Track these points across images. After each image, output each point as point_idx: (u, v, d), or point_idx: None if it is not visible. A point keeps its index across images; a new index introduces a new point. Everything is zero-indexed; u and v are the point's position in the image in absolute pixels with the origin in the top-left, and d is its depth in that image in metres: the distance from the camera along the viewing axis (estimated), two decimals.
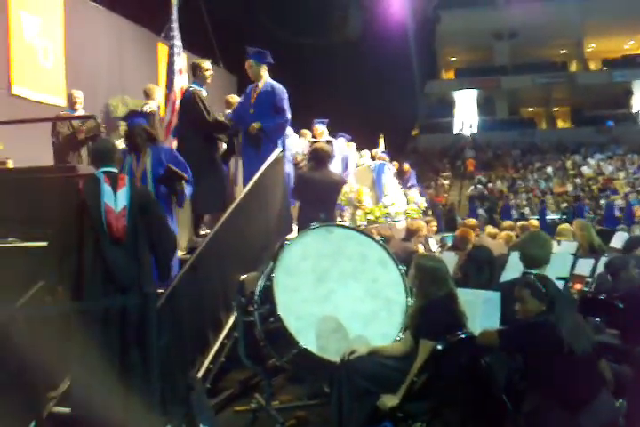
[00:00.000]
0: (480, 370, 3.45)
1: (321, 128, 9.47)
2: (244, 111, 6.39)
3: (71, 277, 3.65)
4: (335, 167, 9.98)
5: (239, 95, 7.23)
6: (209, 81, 6.38)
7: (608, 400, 3.22)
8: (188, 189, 5.01)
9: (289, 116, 6.38)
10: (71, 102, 7.72)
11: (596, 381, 3.26)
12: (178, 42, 6.74)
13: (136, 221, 3.73)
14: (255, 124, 6.17)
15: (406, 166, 14.02)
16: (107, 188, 3.67)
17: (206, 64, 6.35)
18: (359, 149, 12.01)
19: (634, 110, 31.78)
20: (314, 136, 9.46)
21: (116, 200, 3.67)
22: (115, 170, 3.86)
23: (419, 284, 3.79)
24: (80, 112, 7.57)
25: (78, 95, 7.65)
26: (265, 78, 6.39)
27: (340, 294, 4.24)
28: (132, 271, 3.76)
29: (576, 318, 3.38)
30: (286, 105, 6.34)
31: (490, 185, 25.46)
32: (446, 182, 23.46)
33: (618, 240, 7.77)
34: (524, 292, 3.37)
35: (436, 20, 26.39)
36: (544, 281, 3.40)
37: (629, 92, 31.97)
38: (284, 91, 6.36)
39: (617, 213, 17.86)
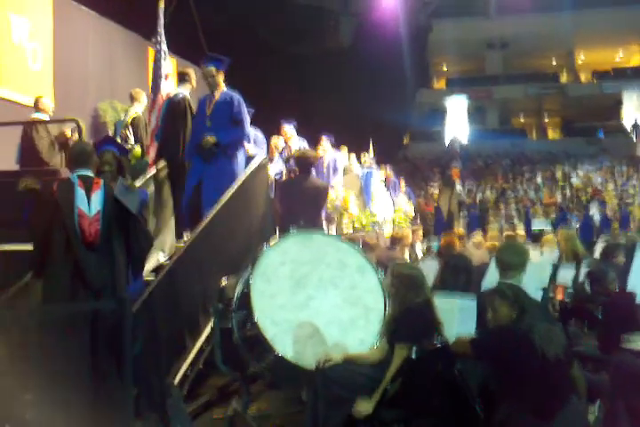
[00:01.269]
0: (454, 378, 3.45)
1: (290, 130, 8.98)
2: (199, 124, 5.94)
3: (43, 281, 3.63)
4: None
5: None
6: (194, 88, 6.38)
7: (579, 407, 3.23)
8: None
9: (247, 129, 6.01)
10: (38, 108, 7.47)
11: (568, 387, 3.26)
12: (164, 46, 6.74)
13: (110, 225, 3.71)
14: (210, 138, 5.70)
15: (388, 173, 13.71)
16: (80, 192, 3.64)
17: (192, 72, 6.37)
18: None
19: (623, 122, 32.01)
20: (283, 138, 9.02)
21: (90, 204, 3.64)
22: (90, 173, 3.83)
23: (395, 291, 3.79)
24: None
25: (45, 102, 7.49)
26: (222, 87, 5.99)
27: (319, 300, 4.23)
28: (106, 276, 3.74)
29: (547, 325, 3.39)
30: (245, 117, 5.95)
31: (480, 194, 25.54)
32: (436, 191, 23.49)
33: (600, 250, 7.81)
34: (494, 300, 3.40)
35: (428, 28, 26.54)
36: (514, 289, 3.43)
37: (619, 104, 32.21)
38: (243, 101, 5.96)
39: (596, 224, 17.90)
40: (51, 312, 3.54)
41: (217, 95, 5.94)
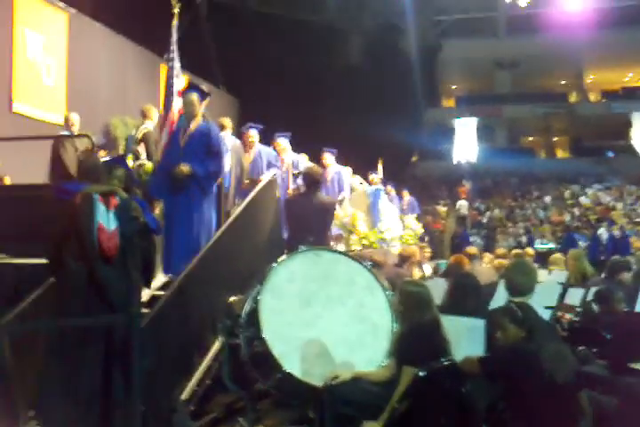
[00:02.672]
0: (462, 397, 3.43)
1: (283, 143, 8.54)
2: (172, 155, 5.60)
3: (57, 293, 3.67)
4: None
5: (239, 119, 7.21)
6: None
7: None
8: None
9: (224, 162, 5.72)
10: (68, 125, 7.78)
11: (576, 410, 3.25)
12: (177, 64, 6.80)
13: (127, 240, 3.75)
14: (183, 168, 5.31)
15: (390, 189, 13.66)
16: (101, 206, 3.69)
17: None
18: (357, 173, 11.98)
19: (632, 142, 31.97)
20: (276, 151, 8.59)
21: (109, 219, 3.69)
22: (106, 188, 3.87)
23: (403, 309, 3.81)
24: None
25: (75, 118, 7.73)
26: (199, 118, 5.64)
27: (327, 318, 4.24)
28: (121, 290, 3.77)
29: (558, 346, 3.39)
30: (222, 149, 5.65)
31: (488, 213, 25.50)
32: (444, 209, 23.44)
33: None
34: (503, 319, 3.40)
35: (437, 48, 26.73)
36: (524, 309, 3.43)
37: (628, 124, 32.20)
38: (220, 133, 5.69)
39: (604, 244, 17.69)
40: (64, 326, 3.56)
41: (192, 126, 5.61)
